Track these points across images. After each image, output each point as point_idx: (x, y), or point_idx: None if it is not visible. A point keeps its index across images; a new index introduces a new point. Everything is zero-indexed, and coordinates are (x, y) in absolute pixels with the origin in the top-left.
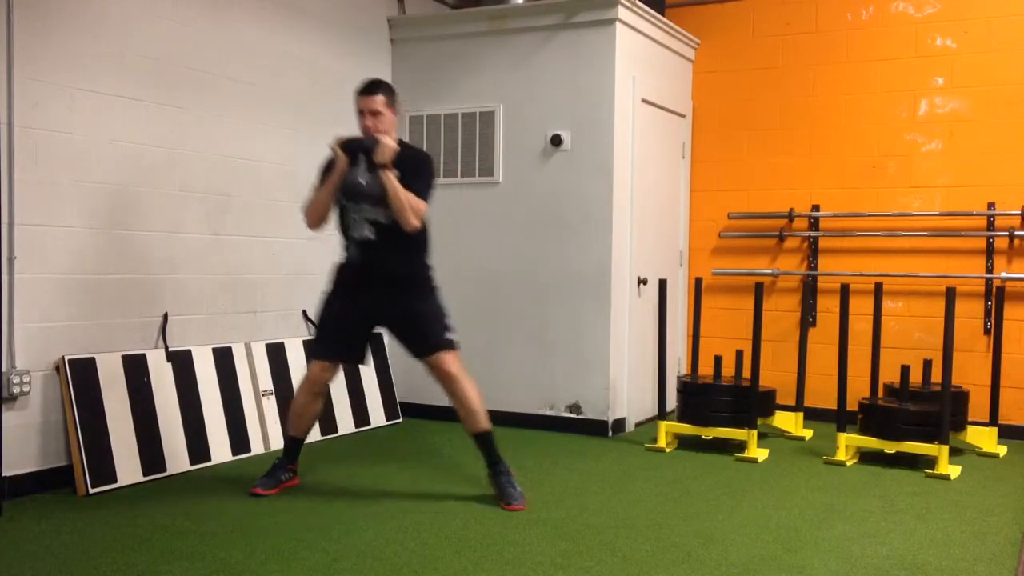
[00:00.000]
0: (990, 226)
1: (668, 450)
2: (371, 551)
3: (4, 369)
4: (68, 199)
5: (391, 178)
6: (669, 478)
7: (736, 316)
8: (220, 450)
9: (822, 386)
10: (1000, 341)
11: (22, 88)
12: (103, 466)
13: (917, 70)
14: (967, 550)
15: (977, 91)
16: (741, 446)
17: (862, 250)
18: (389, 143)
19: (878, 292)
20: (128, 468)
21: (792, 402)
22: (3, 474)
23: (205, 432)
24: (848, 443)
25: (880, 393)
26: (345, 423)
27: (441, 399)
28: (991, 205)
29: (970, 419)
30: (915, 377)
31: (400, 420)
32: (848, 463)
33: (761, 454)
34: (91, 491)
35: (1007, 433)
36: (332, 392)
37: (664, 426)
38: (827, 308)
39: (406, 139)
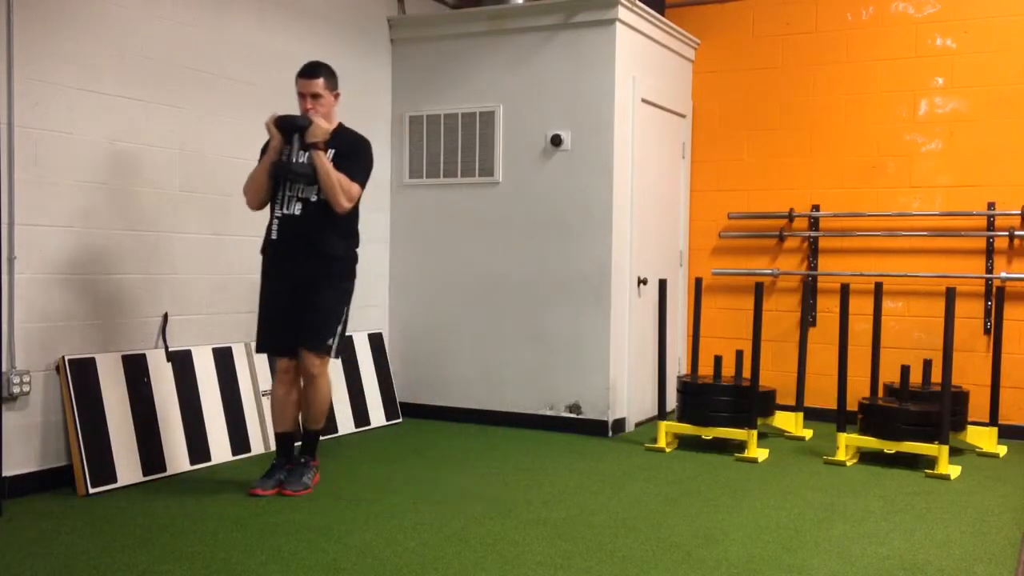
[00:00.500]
0: (990, 226)
1: (668, 450)
2: (371, 551)
3: (4, 369)
4: (68, 199)
5: (322, 157)
6: (669, 478)
7: (736, 316)
8: (220, 450)
9: (822, 386)
10: (1000, 341)
11: (22, 88)
12: (103, 466)
13: (917, 70)
14: (967, 550)
15: (977, 91)
16: (741, 446)
17: (862, 250)
18: (321, 122)
19: (878, 292)
20: (128, 468)
21: (792, 402)
22: (3, 474)
23: (205, 432)
24: (848, 443)
25: (880, 393)
26: (345, 423)
27: (441, 399)
28: (991, 205)
29: (970, 419)
30: (915, 377)
31: (400, 420)
32: (848, 463)
33: (761, 454)
34: (91, 491)
35: (1007, 433)
36: (332, 392)
37: (664, 426)
38: (827, 308)
39: (406, 139)
